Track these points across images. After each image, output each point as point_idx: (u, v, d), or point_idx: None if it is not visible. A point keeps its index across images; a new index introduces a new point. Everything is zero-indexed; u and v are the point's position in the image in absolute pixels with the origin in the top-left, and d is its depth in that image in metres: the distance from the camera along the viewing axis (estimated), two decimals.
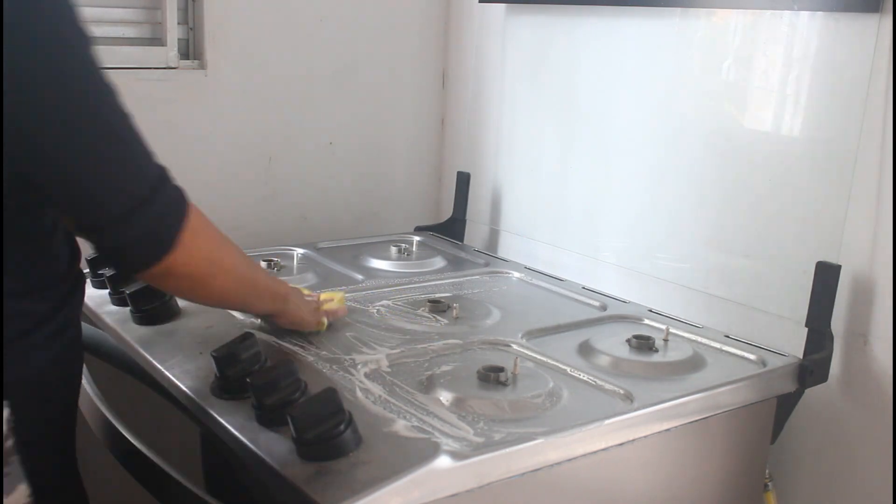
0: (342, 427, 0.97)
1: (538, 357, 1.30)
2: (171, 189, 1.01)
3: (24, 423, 0.98)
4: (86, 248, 1.45)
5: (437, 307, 1.49)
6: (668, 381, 1.25)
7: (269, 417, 1.04)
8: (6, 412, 0.96)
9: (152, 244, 0.99)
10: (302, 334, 1.30)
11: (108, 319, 1.38)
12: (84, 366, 1.34)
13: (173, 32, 1.81)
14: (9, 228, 0.98)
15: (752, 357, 1.35)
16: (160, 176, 1.00)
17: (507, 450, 1.02)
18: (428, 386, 1.17)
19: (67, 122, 0.91)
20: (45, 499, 1.03)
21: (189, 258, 1.02)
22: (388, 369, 1.23)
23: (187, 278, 1.05)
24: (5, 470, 0.96)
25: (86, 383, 1.30)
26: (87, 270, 1.48)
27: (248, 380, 1.06)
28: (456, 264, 1.80)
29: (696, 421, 1.20)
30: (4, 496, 0.96)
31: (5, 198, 0.96)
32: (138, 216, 0.97)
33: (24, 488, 0.99)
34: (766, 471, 1.41)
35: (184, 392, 1.14)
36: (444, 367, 1.23)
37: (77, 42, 0.92)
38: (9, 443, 0.97)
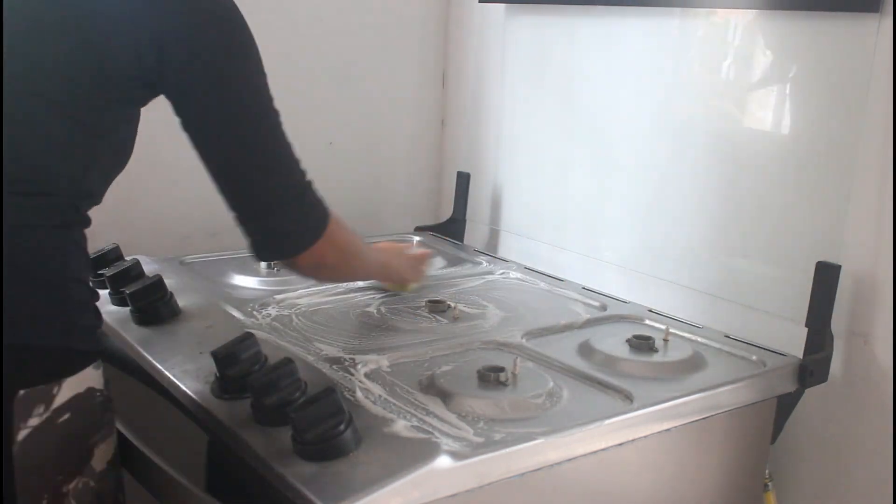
0: (342, 427, 0.96)
1: (538, 357, 1.30)
2: (315, 192, 1.20)
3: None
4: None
5: (437, 307, 1.49)
6: (668, 381, 1.25)
7: (269, 417, 1.04)
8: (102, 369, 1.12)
9: (305, 232, 1.18)
10: None
11: (108, 319, 1.37)
12: None
13: None
14: None
15: (752, 357, 1.35)
16: (309, 181, 1.19)
17: (507, 450, 1.01)
18: (428, 386, 1.17)
19: (248, 136, 1.14)
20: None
21: (332, 247, 1.21)
22: (388, 369, 1.23)
23: (328, 268, 1.25)
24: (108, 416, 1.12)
25: None
26: None
27: (248, 380, 1.06)
28: (456, 264, 1.80)
29: (696, 421, 1.20)
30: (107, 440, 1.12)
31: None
32: (296, 205, 1.17)
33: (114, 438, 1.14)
34: (766, 471, 1.41)
35: (184, 392, 1.14)
36: (444, 367, 1.23)
37: (259, 76, 1.16)
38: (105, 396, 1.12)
